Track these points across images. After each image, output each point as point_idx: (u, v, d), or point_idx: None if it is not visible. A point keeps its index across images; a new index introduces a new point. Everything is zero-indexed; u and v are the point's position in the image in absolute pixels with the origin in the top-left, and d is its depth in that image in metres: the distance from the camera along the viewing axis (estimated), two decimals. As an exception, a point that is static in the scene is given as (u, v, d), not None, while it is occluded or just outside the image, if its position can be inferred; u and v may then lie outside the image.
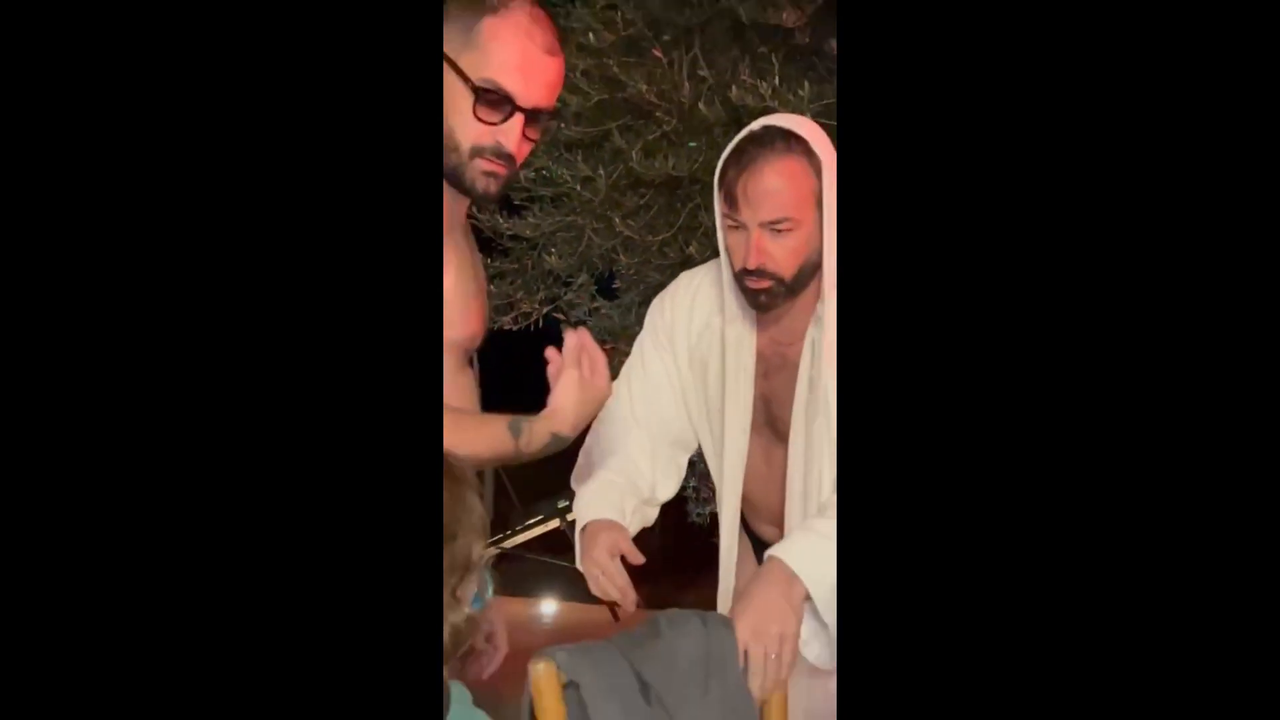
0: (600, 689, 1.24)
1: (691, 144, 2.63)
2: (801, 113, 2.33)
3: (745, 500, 1.68)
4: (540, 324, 3.13)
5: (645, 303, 1.77)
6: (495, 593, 1.18)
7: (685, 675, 1.29)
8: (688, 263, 2.14)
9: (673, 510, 1.75)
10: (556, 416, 1.29)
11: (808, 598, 1.35)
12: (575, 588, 1.62)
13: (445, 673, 1.06)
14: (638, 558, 1.49)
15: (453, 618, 1.04)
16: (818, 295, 1.54)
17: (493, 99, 1.28)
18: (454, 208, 1.36)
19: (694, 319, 1.66)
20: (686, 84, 2.61)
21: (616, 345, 2.90)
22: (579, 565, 1.55)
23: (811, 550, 1.36)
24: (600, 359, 1.33)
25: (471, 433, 1.16)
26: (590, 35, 2.63)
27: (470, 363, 1.44)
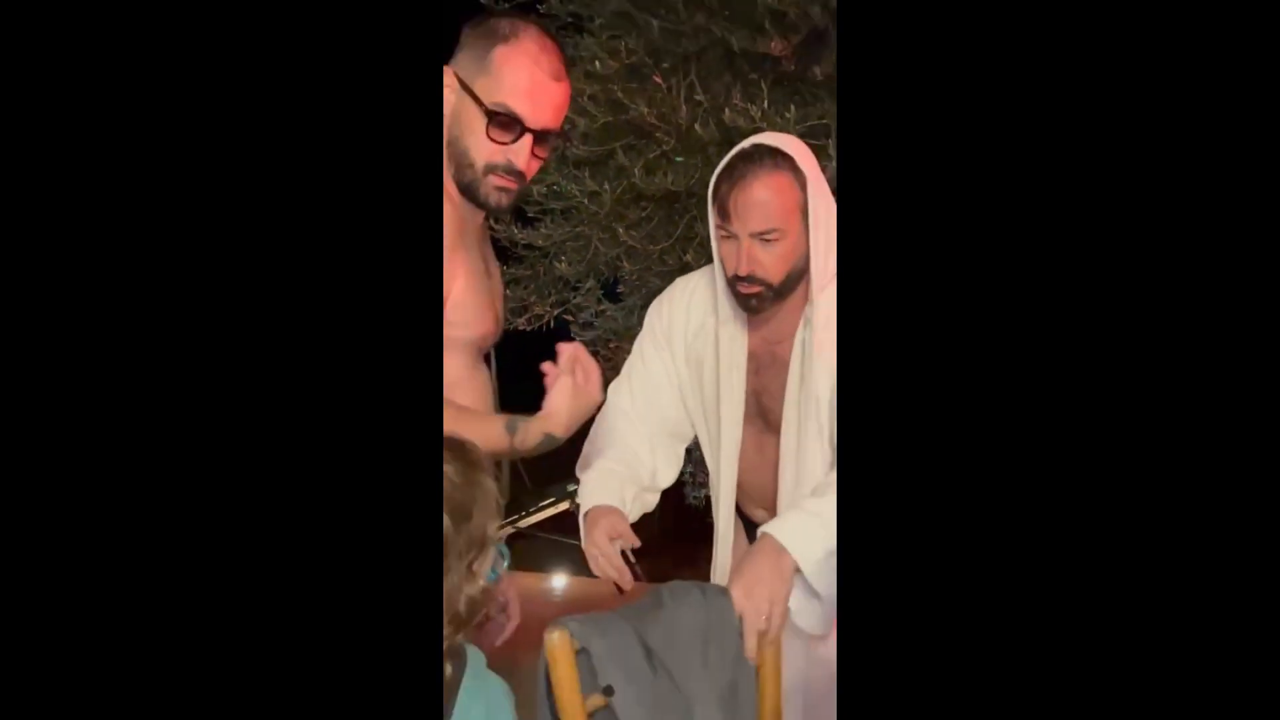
0: (608, 655, 1.25)
1: (679, 158, 2.63)
2: (789, 133, 2.33)
3: (738, 486, 1.67)
4: (552, 325, 3.14)
5: (647, 305, 1.78)
6: (510, 567, 1.19)
7: (686, 641, 1.30)
8: (685, 269, 2.14)
9: (672, 494, 1.75)
10: (550, 419, 1.29)
11: (797, 570, 1.36)
12: (583, 564, 1.61)
13: (461, 638, 1.07)
14: (633, 541, 1.49)
15: (469, 590, 1.05)
16: (805, 298, 1.54)
17: (504, 121, 1.28)
18: (469, 219, 1.37)
19: (690, 320, 1.66)
20: (684, 107, 2.61)
21: (620, 344, 2.91)
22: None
23: (800, 527, 1.37)
24: (594, 370, 1.32)
25: (471, 428, 1.16)
26: (597, 63, 2.64)
27: (488, 360, 1.44)
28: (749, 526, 1.72)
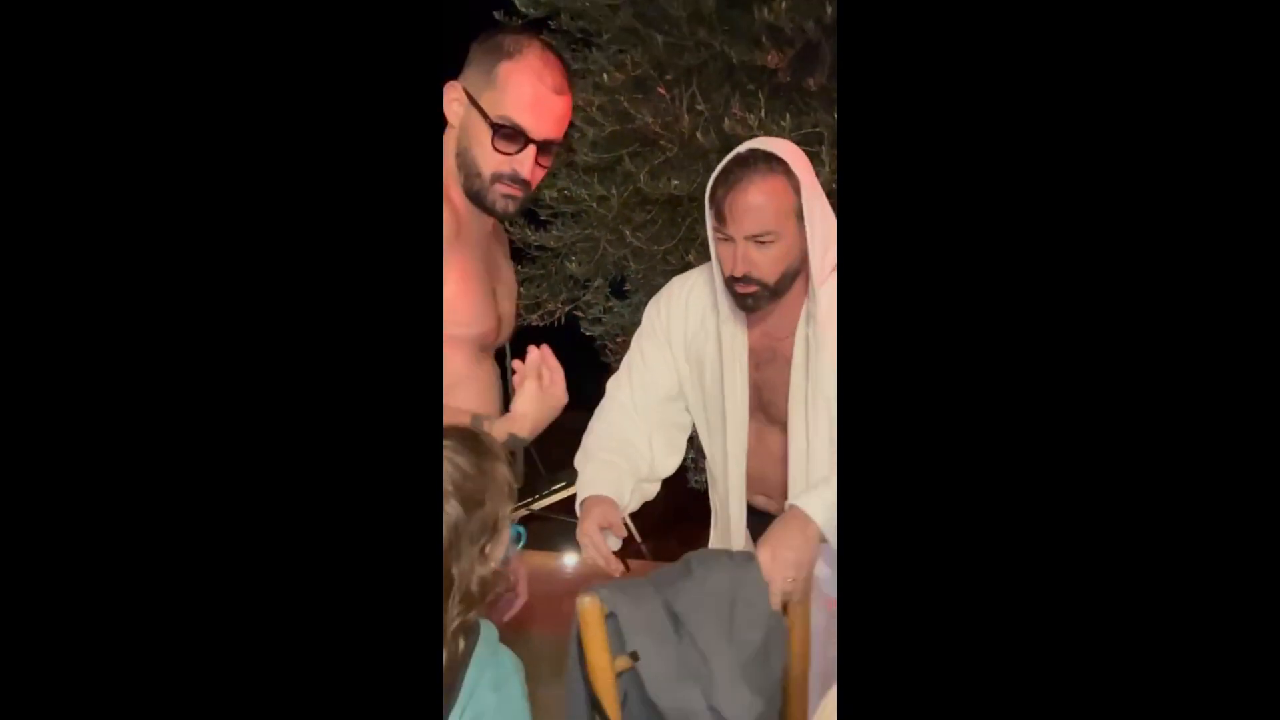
0: (634, 619, 1.25)
1: (665, 157, 2.62)
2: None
3: None
4: (562, 321, 3.15)
5: (652, 302, 1.77)
6: (525, 547, 1.19)
7: (712, 607, 1.29)
8: (688, 268, 2.13)
9: (675, 477, 1.75)
10: (516, 420, 1.30)
11: (822, 539, 1.36)
12: (591, 545, 1.60)
13: (474, 615, 1.06)
14: (620, 532, 1.49)
15: (481, 571, 1.05)
16: (803, 294, 1.52)
17: (508, 133, 1.29)
18: (471, 223, 1.37)
19: (689, 318, 1.64)
20: (686, 116, 2.61)
21: (627, 339, 2.90)
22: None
23: (825, 500, 1.37)
24: (558, 373, 1.34)
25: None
26: (604, 75, 2.64)
27: (503, 355, 1.44)
28: (750, 512, 1.71)
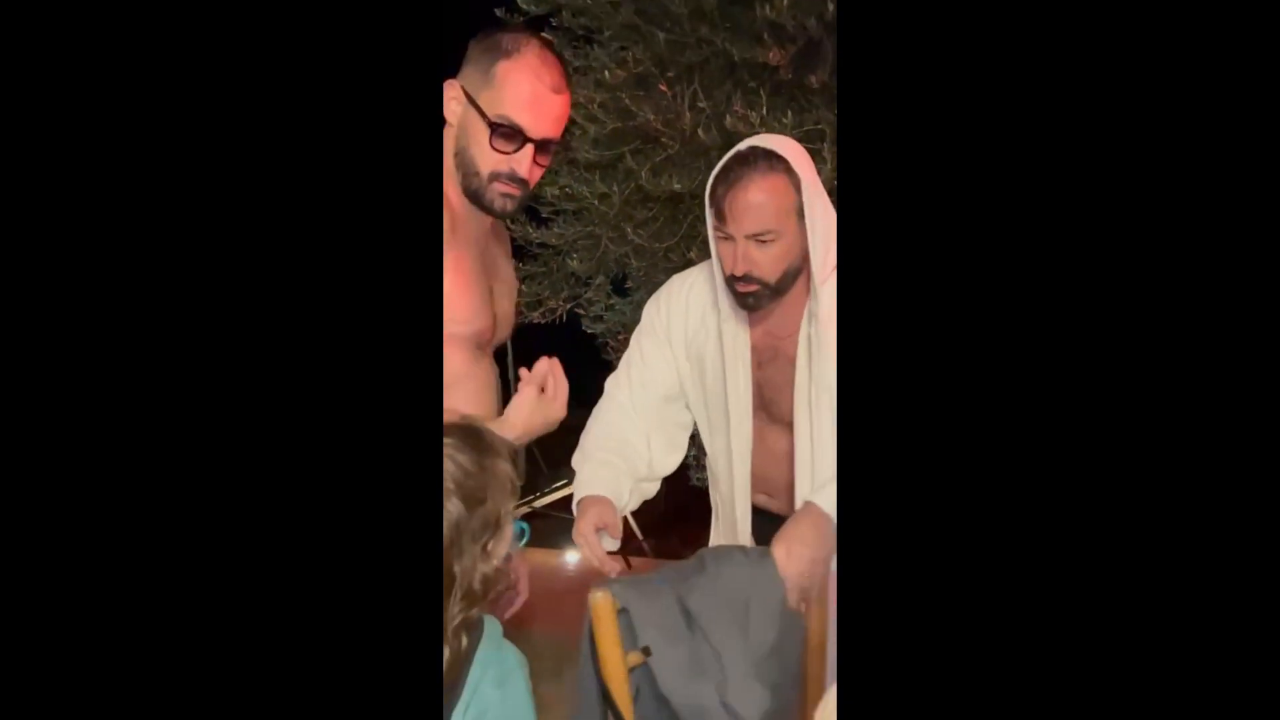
0: (647, 615, 1.25)
1: (666, 154, 2.62)
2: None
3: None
4: (564, 318, 3.15)
5: (654, 300, 1.76)
6: (526, 545, 1.19)
7: (726, 603, 1.28)
8: (690, 265, 2.13)
9: (677, 475, 1.74)
10: (506, 425, 1.30)
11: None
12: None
13: (476, 612, 1.06)
14: (616, 533, 1.48)
15: (483, 568, 1.05)
16: (805, 292, 1.51)
17: (506, 132, 1.29)
18: (467, 221, 1.37)
19: (690, 316, 1.62)
20: (688, 114, 2.60)
21: (629, 336, 2.89)
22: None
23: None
24: (563, 387, 1.33)
25: None
26: (606, 73, 2.63)
27: (504, 354, 1.44)
28: (752, 511, 1.70)
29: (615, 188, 2.74)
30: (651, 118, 2.60)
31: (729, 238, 1.46)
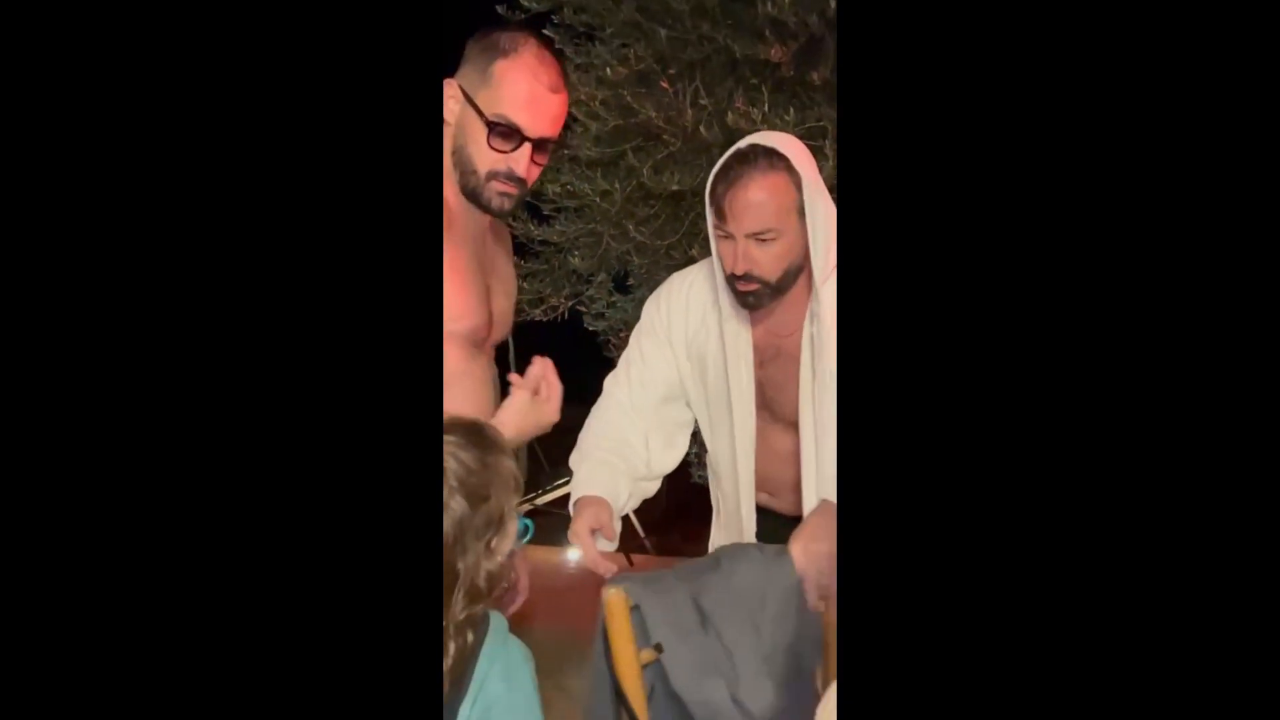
0: (659, 613, 1.25)
1: (668, 152, 2.62)
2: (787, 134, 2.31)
3: None
4: (566, 316, 3.15)
5: (656, 298, 1.75)
6: (530, 541, 1.19)
7: (740, 601, 1.28)
8: (691, 263, 2.13)
9: (678, 473, 1.74)
10: (498, 427, 1.29)
11: None
12: (595, 539, 1.59)
13: (481, 609, 1.07)
14: (610, 534, 1.48)
15: (487, 565, 1.05)
16: (806, 291, 1.50)
17: (504, 131, 1.29)
18: (470, 220, 1.37)
19: (690, 315, 1.61)
20: (689, 111, 2.60)
21: (630, 334, 2.90)
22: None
23: None
24: (556, 391, 1.33)
25: None
26: (608, 70, 2.63)
27: (504, 351, 1.44)
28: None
29: (617, 185, 2.74)
30: (653, 115, 2.59)
31: (729, 236, 1.45)
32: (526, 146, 1.31)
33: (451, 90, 1.33)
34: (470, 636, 1.04)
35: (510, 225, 2.87)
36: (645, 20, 2.64)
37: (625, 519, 1.67)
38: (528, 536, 1.18)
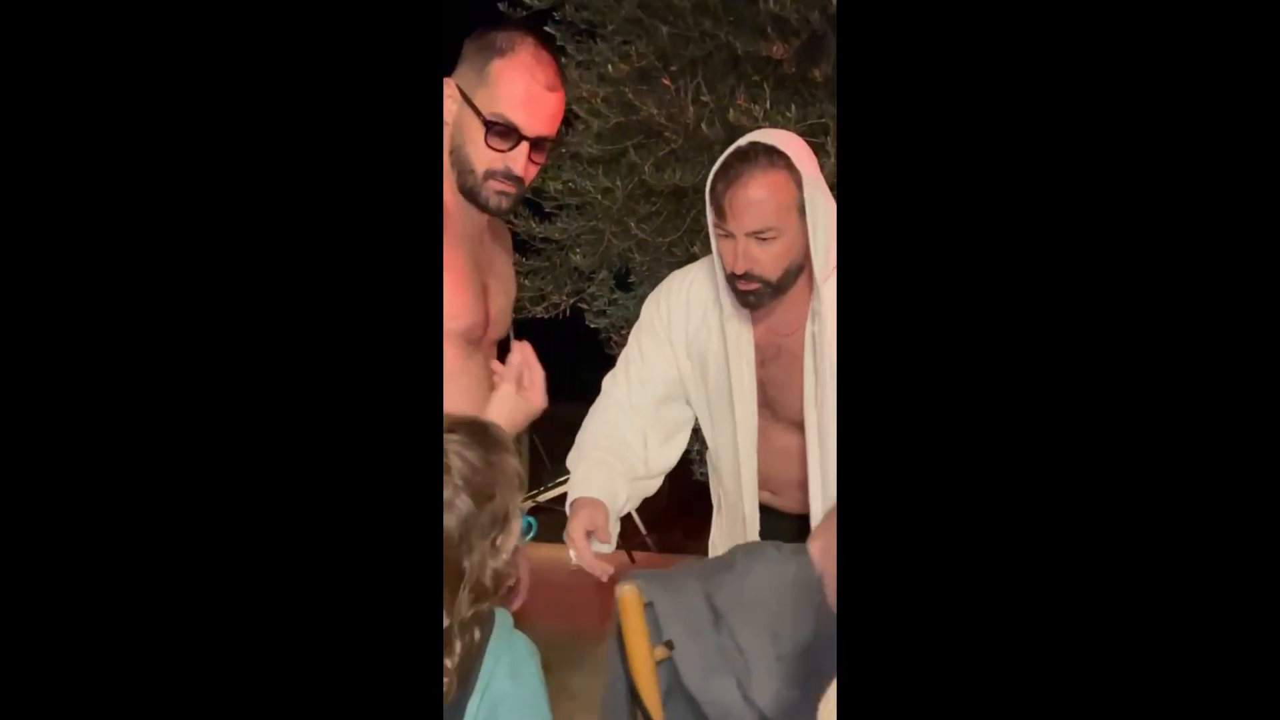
0: (672, 610, 1.25)
1: (669, 149, 2.62)
2: (788, 131, 2.31)
3: None
4: (567, 313, 3.15)
5: (657, 296, 1.74)
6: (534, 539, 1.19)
7: (755, 600, 1.28)
8: (692, 260, 2.14)
9: (679, 470, 1.74)
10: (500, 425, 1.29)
11: None
12: (597, 536, 1.59)
13: (487, 607, 1.07)
14: (605, 538, 1.47)
15: (493, 564, 1.05)
16: (807, 290, 1.49)
17: (501, 130, 1.30)
18: (466, 218, 1.38)
19: (691, 314, 1.60)
20: (691, 108, 2.60)
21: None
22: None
23: None
24: (538, 376, 1.32)
25: None
26: (609, 67, 2.63)
27: (505, 348, 1.44)
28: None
29: (618, 182, 2.74)
30: (654, 112, 2.59)
31: (729, 235, 1.44)
32: (524, 145, 1.31)
33: (449, 90, 1.33)
34: (477, 634, 1.04)
35: (511, 223, 2.88)
36: (647, 17, 2.64)
37: (627, 516, 1.67)
38: (531, 534, 1.18)
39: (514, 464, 1.09)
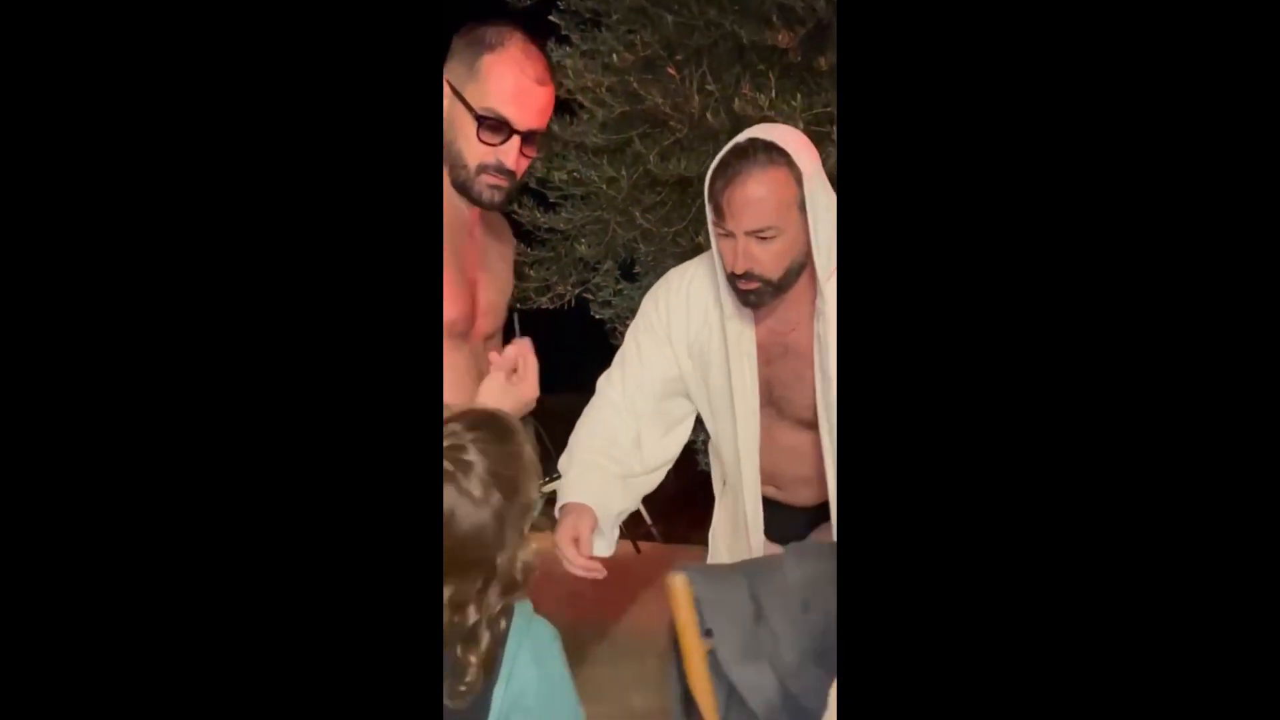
0: (714, 601, 1.29)
1: (674, 138, 2.62)
2: (794, 121, 2.31)
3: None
4: (572, 303, 3.15)
5: (663, 286, 1.74)
6: (531, 530, 1.19)
7: (797, 596, 1.31)
8: (698, 250, 2.14)
9: (684, 460, 1.74)
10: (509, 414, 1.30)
11: None
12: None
13: (516, 597, 1.07)
14: (586, 549, 1.46)
15: (524, 555, 1.05)
16: (810, 287, 1.47)
17: (493, 124, 1.31)
18: (454, 213, 1.38)
19: (691, 313, 1.58)
20: (696, 97, 2.60)
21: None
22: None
23: None
24: (533, 368, 1.32)
25: None
26: (614, 56, 2.63)
27: (510, 335, 1.44)
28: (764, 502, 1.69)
29: (623, 172, 2.74)
30: (659, 101, 2.59)
31: (729, 234, 1.41)
32: (515, 139, 1.33)
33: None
34: (503, 624, 1.05)
35: (516, 213, 2.89)
36: (651, 6, 2.63)
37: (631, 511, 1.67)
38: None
39: (530, 452, 1.09)
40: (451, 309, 1.36)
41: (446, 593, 1.00)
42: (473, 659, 1.01)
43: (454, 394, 1.32)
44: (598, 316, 3.20)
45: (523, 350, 1.33)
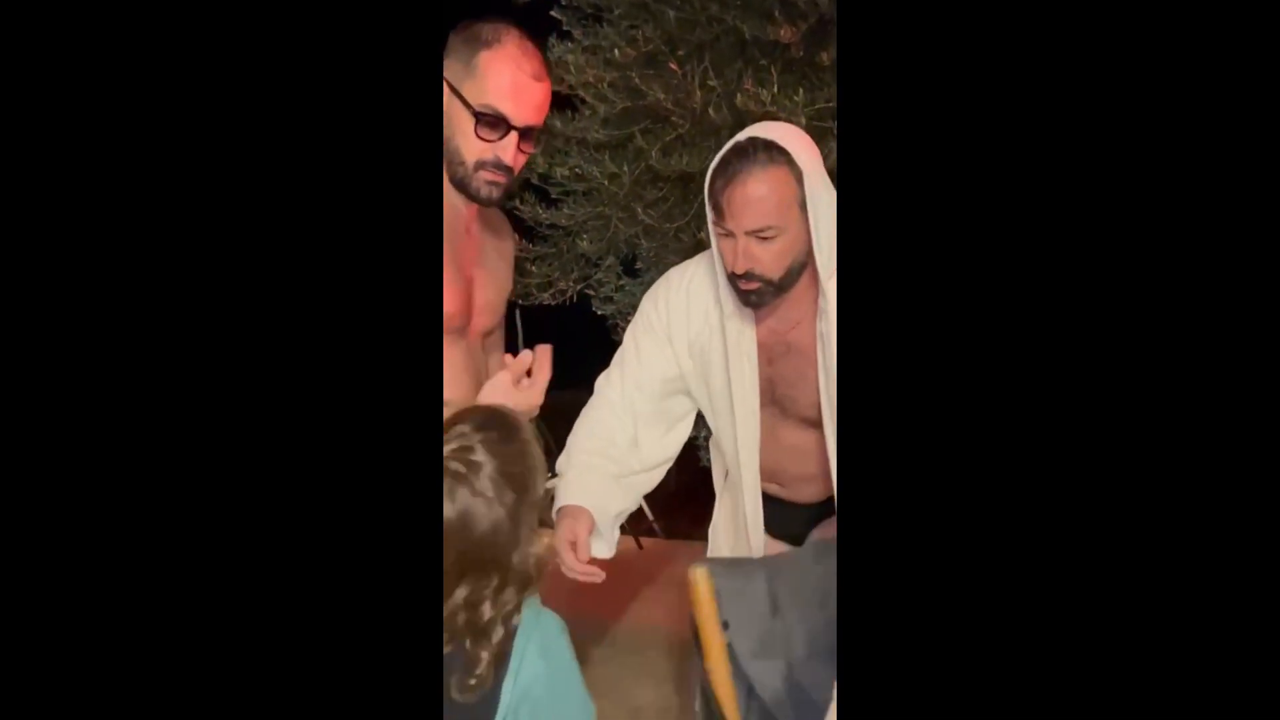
0: (732, 593, 1.31)
1: (676, 134, 2.62)
2: (796, 117, 2.30)
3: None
4: (574, 299, 3.16)
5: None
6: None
7: (814, 590, 1.32)
8: (700, 246, 2.14)
9: (686, 456, 1.74)
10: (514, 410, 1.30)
11: None
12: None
13: (529, 592, 1.08)
14: (584, 553, 1.45)
15: (536, 551, 1.06)
16: (811, 285, 1.46)
17: (491, 121, 1.32)
18: (449, 209, 1.39)
19: (691, 313, 1.57)
20: (698, 93, 2.60)
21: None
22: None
23: None
24: (544, 377, 1.31)
25: None
26: (616, 51, 2.63)
27: (512, 332, 1.45)
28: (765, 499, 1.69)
29: (625, 168, 2.74)
30: (661, 97, 2.59)
31: (729, 234, 1.40)
32: (513, 135, 1.34)
33: None
34: (516, 619, 1.05)
35: (518, 208, 2.89)
36: (653, 1, 2.63)
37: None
38: None
39: (538, 448, 1.10)
40: (447, 305, 1.37)
41: (462, 592, 1.00)
42: (484, 654, 1.02)
43: (449, 390, 1.32)
44: (599, 312, 3.21)
45: (541, 359, 1.32)
